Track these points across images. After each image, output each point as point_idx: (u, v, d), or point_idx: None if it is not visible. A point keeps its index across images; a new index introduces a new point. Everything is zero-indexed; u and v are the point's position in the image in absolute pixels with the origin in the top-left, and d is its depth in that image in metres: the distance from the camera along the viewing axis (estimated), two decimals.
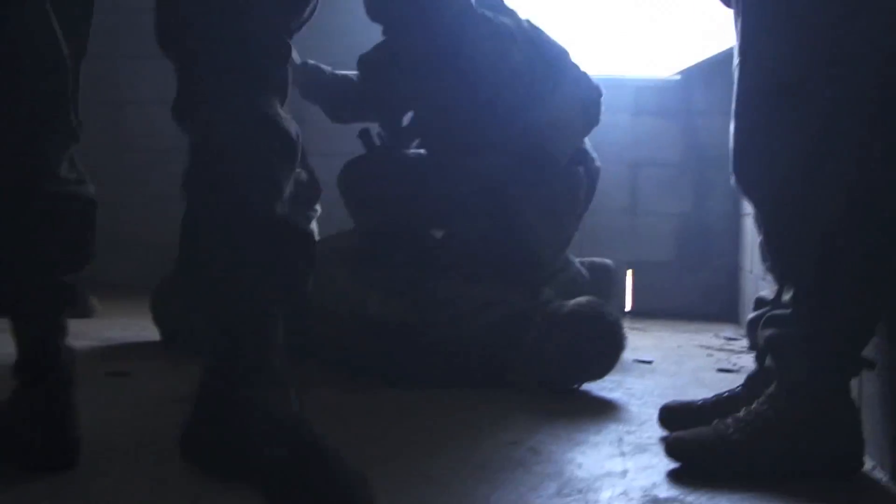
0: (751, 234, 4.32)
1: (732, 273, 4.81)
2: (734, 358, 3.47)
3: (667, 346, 3.79)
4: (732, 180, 2.05)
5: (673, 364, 3.37)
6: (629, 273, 4.81)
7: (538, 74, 3.14)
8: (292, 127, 1.74)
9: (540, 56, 3.17)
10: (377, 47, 3.39)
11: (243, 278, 1.68)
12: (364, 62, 3.42)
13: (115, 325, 3.79)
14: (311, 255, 1.76)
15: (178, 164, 1.76)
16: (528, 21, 3.25)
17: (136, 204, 4.02)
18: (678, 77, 4.93)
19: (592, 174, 3.32)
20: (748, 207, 4.34)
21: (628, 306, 4.83)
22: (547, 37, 3.24)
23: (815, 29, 1.87)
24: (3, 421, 1.91)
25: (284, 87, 1.78)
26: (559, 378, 2.78)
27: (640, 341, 3.73)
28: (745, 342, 3.80)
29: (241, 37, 1.69)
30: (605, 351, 2.79)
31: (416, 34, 3.15)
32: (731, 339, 4.05)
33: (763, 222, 2.02)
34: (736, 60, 1.99)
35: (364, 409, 2.50)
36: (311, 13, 1.82)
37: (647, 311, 4.67)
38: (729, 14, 2.12)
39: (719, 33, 4.60)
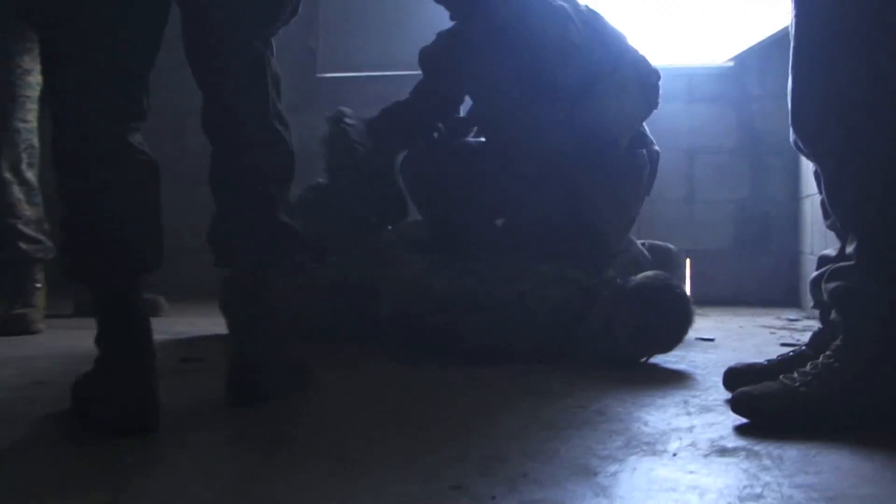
0: (810, 218, 4.32)
1: (793, 258, 4.80)
2: (797, 335, 3.47)
3: (728, 326, 3.81)
4: (792, 138, 2.07)
5: (735, 341, 3.39)
6: (688, 261, 4.80)
7: (596, 56, 3.18)
8: (288, 137, 2.25)
9: (598, 38, 3.22)
10: (439, 36, 3.47)
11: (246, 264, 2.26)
12: (425, 54, 3.50)
13: (182, 322, 3.88)
14: (298, 242, 2.31)
15: None
16: (586, 6, 3.30)
17: (198, 212, 4.11)
18: (731, 63, 4.94)
19: (654, 157, 3.36)
20: (807, 190, 4.35)
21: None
22: (604, 20, 3.29)
23: None
24: (87, 389, 2.01)
25: (276, 80, 2.24)
26: (628, 350, 2.80)
27: (701, 323, 3.72)
28: (807, 322, 3.81)
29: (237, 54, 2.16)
30: (674, 322, 2.82)
31: (480, 15, 3.21)
32: (793, 319, 4.05)
33: (825, 176, 2.04)
34: (791, 13, 2.01)
35: (437, 380, 2.57)
36: (293, 14, 2.28)
37: (706, 299, 4.65)
38: None
39: (770, 17, 4.61)
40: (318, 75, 5.27)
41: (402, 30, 4.52)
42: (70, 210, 2.03)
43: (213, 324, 3.66)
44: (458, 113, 3.64)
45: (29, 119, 3.67)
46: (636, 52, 3.32)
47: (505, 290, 2.92)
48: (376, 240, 3.48)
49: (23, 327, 3.54)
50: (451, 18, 3.41)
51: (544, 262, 3.01)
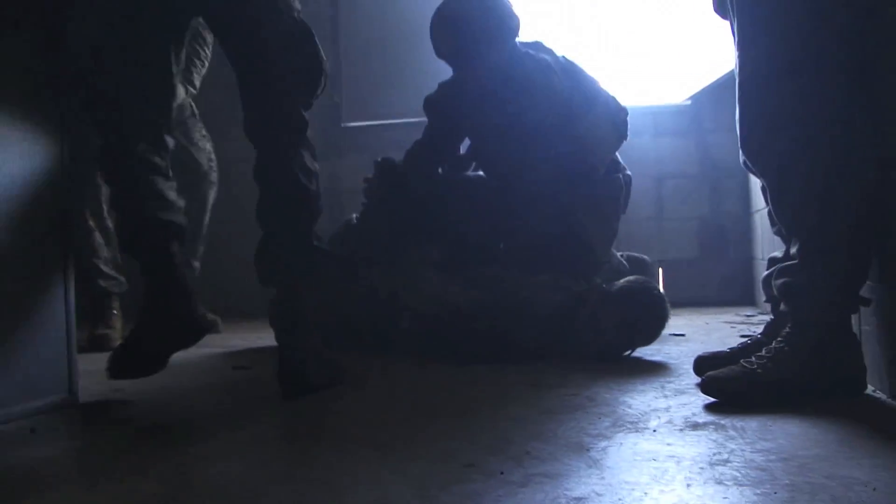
0: (760, 229, 4.32)
1: (747, 263, 4.79)
2: (754, 328, 3.46)
3: (696, 323, 3.80)
4: (741, 158, 2.09)
5: (702, 335, 3.38)
6: (660, 270, 4.80)
7: (575, 99, 3.21)
8: (312, 181, 2.39)
9: (575, 84, 3.24)
10: (441, 85, 3.49)
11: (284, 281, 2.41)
12: (429, 102, 3.52)
13: (236, 337, 3.89)
14: (327, 260, 2.48)
15: None
16: (563, 57, 3.33)
17: (246, 248, 4.11)
18: (689, 102, 4.95)
19: (627, 181, 3.38)
20: (757, 206, 4.35)
21: None
22: (580, 68, 3.31)
23: (793, 23, 1.92)
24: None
25: (310, 146, 2.41)
26: (614, 345, 2.80)
27: (673, 321, 3.66)
28: (762, 317, 3.80)
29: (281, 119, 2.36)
30: (653, 318, 2.83)
31: (477, 69, 3.23)
32: (750, 315, 4.05)
33: (770, 189, 2.05)
34: (735, 55, 2.03)
35: (451, 377, 2.56)
36: (322, 89, 2.46)
37: (676, 301, 4.61)
38: (724, 29, 2.18)
39: (719, 62, 4.64)
40: (343, 125, 5.30)
41: (413, 82, 4.51)
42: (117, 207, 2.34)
43: (259, 339, 3.69)
44: (459, 151, 3.65)
45: None
46: (607, 93, 3.34)
47: (509, 298, 2.92)
48: (399, 259, 3.49)
49: (104, 344, 3.59)
50: (453, 71, 3.42)
51: (541, 274, 3.02)
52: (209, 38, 4.02)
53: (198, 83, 4.09)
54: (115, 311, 3.77)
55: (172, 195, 2.36)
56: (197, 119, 4.09)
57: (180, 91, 3.93)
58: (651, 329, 2.83)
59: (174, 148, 2.43)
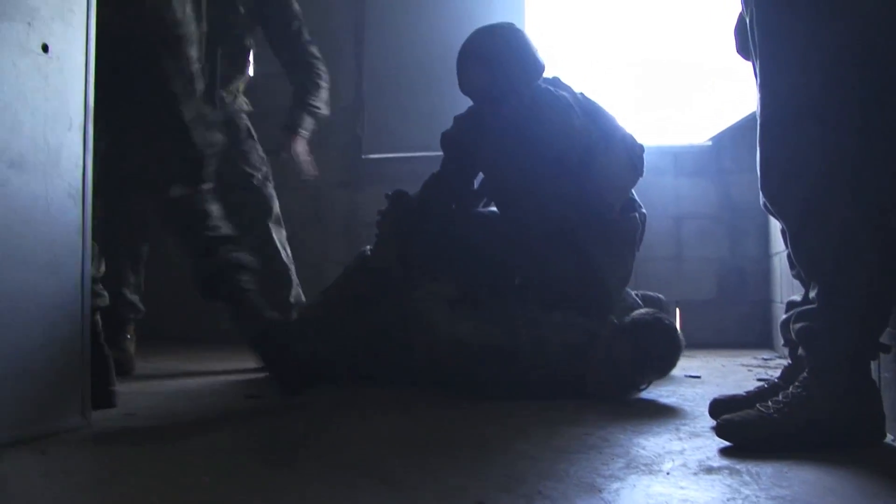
0: (780, 272, 4.29)
1: (766, 306, 4.76)
2: (771, 371, 3.43)
3: (712, 365, 3.77)
4: (761, 200, 2.07)
5: (718, 377, 3.35)
6: (677, 311, 4.78)
7: (593, 136, 3.20)
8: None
9: (593, 121, 3.24)
10: (456, 119, 3.49)
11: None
12: (446, 138, 3.52)
13: (249, 364, 3.88)
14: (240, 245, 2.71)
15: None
16: (581, 93, 3.33)
17: None
18: (709, 143, 4.94)
19: (642, 219, 3.37)
20: (776, 248, 4.33)
21: None
22: (597, 105, 3.31)
23: (815, 66, 1.91)
24: None
25: None
26: (629, 377, 2.78)
27: (689, 363, 3.71)
28: (780, 361, 3.76)
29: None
30: (666, 348, 2.81)
31: (500, 105, 3.24)
32: (767, 359, 4.00)
33: (790, 232, 2.04)
34: (757, 96, 2.03)
35: (464, 414, 2.54)
36: None
37: (693, 343, 4.59)
38: (747, 70, 2.18)
39: (741, 103, 4.65)
40: (364, 157, 5.32)
41: (435, 115, 4.53)
42: None
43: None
44: (473, 186, 3.64)
45: None
46: (624, 129, 3.33)
47: (522, 336, 2.90)
48: (412, 293, 3.47)
49: (118, 369, 3.57)
50: (481, 108, 3.42)
51: (555, 312, 3.00)
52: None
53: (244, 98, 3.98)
54: (129, 336, 3.76)
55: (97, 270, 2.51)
56: (255, 141, 3.93)
57: (242, 103, 3.92)
58: (666, 360, 2.82)
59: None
